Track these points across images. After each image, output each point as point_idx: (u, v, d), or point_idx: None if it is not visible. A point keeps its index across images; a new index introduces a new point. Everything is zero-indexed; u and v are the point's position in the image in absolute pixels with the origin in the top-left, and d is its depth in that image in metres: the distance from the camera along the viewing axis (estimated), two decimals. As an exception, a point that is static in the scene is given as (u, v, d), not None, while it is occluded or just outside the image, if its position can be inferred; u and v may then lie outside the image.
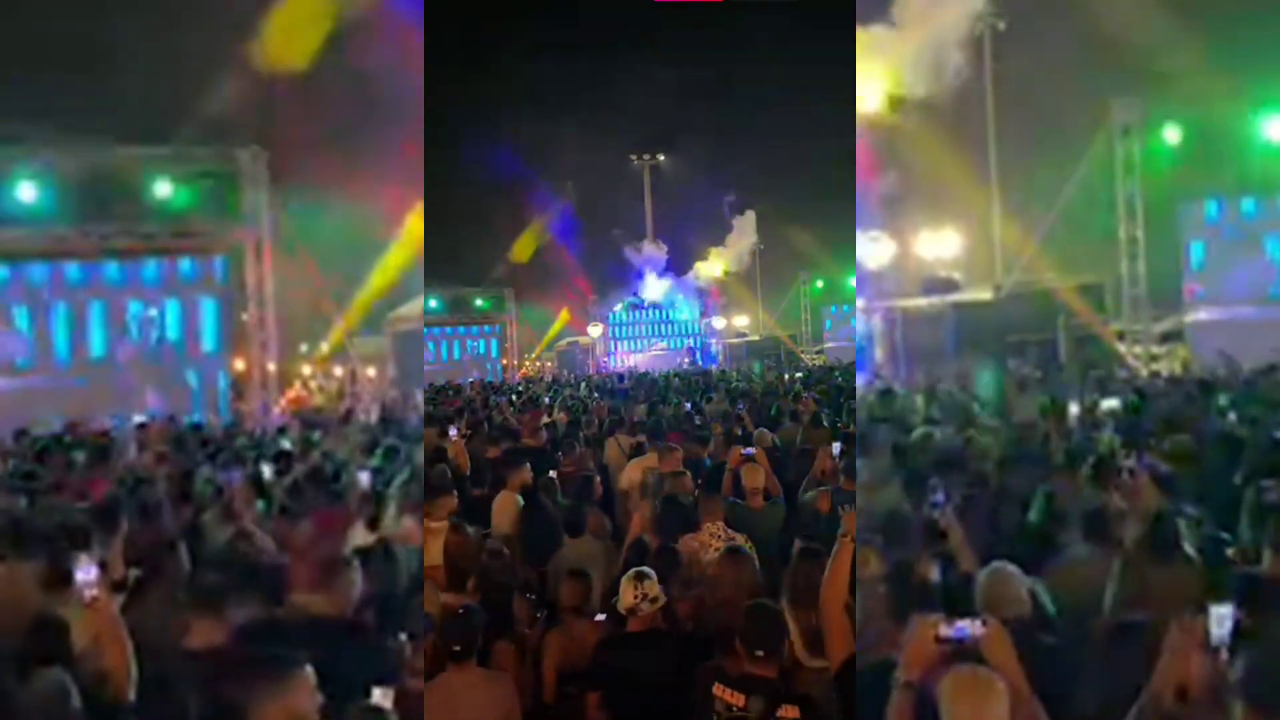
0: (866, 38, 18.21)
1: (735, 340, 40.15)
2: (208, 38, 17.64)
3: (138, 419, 14.79)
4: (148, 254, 18.89)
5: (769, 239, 38.90)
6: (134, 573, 4.83)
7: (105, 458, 9.55)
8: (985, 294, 20.64)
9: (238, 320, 19.18)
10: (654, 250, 39.92)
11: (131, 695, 3.53)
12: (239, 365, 19.31)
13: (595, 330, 39.77)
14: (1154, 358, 19.46)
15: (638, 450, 8.90)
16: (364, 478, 6.84)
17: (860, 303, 23.32)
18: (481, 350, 36.69)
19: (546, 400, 16.54)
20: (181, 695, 3.46)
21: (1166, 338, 19.97)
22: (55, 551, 4.87)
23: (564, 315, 39.40)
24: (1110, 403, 9.88)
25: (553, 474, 7.84)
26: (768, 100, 36.07)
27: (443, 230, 28.04)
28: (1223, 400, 9.54)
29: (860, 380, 16.01)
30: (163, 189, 17.86)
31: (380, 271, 20.22)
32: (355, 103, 17.84)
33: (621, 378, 26.27)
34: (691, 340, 40.16)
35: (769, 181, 37.02)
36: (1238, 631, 2.69)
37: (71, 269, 19.02)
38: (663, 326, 40.93)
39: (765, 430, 9.62)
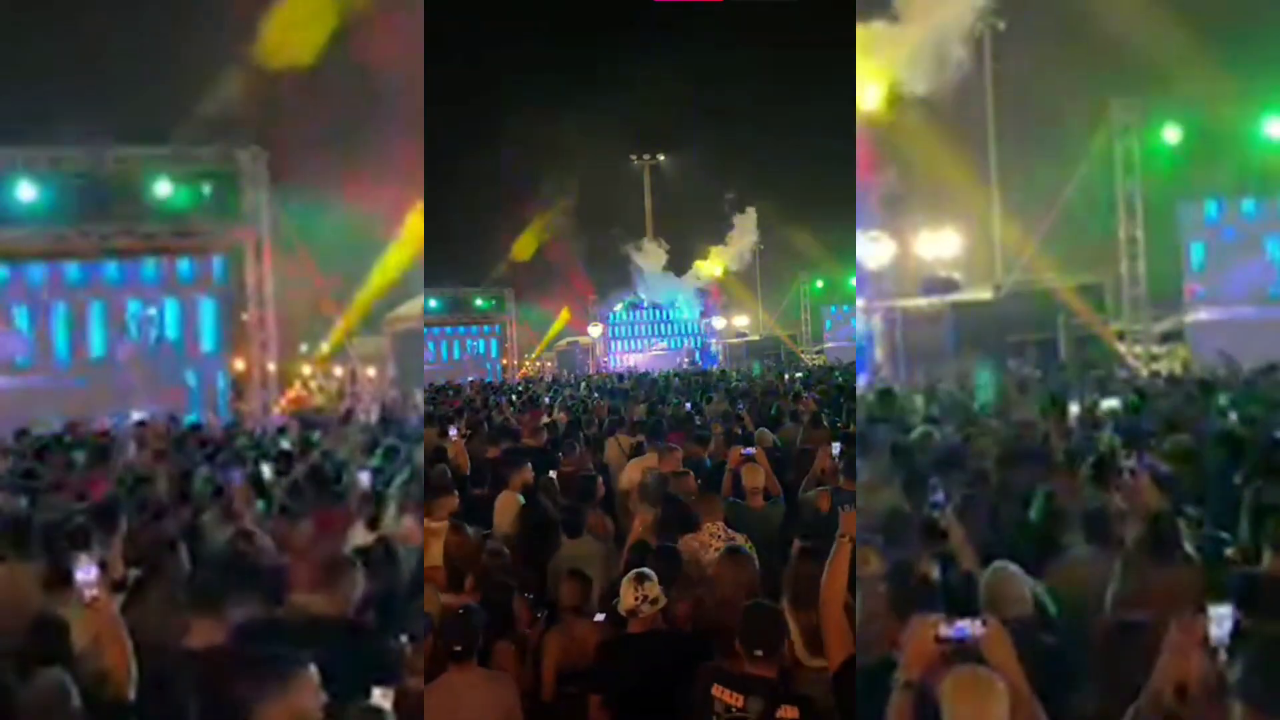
0: (866, 34, 18.19)
1: (735, 340, 40.15)
2: (208, 38, 17.66)
3: (137, 416, 14.81)
4: (148, 254, 18.89)
5: (769, 239, 38.93)
6: (134, 572, 4.83)
7: (105, 457, 9.56)
8: (985, 294, 20.64)
9: (238, 320, 19.18)
10: (654, 249, 39.92)
11: (131, 695, 3.53)
12: (239, 365, 19.31)
13: (595, 330, 39.77)
14: (1154, 358, 19.47)
15: (638, 450, 8.89)
16: (364, 478, 6.85)
17: (860, 303, 23.33)
18: (481, 350, 36.68)
19: (546, 400, 16.55)
20: (181, 695, 3.46)
21: (1166, 338, 19.98)
22: (55, 551, 4.88)
23: (564, 315, 39.39)
24: (1110, 403, 9.89)
25: (552, 474, 7.85)
26: (767, 100, 36.08)
27: (443, 230, 28.06)
28: (1222, 400, 9.54)
29: (860, 380, 16.02)
30: (163, 189, 17.86)
31: (380, 271, 20.22)
32: (355, 103, 17.85)
33: (621, 378, 26.27)
34: (691, 340, 40.14)
35: (769, 181, 37.02)
36: (1237, 632, 2.69)
37: (71, 269, 19.02)
38: (663, 326, 40.91)
39: (766, 430, 9.62)
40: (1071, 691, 3.35)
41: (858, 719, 3.65)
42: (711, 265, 39.76)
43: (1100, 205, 19.34)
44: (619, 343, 40.57)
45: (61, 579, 4.09)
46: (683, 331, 40.73)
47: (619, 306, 40.51)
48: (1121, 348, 19.62)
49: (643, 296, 40.50)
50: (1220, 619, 2.72)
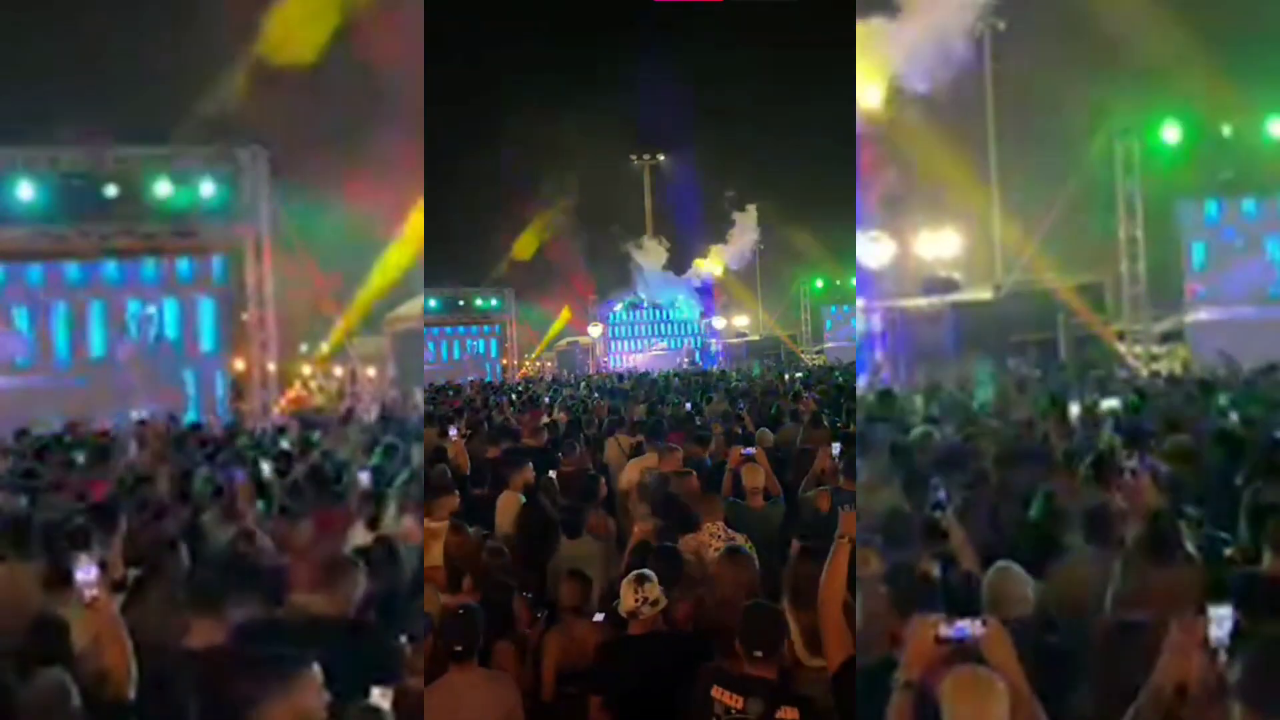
0: (866, 30, 18.17)
1: (735, 340, 40.15)
2: (208, 38, 17.66)
3: (137, 415, 14.80)
4: (148, 254, 18.88)
5: (769, 239, 38.94)
6: (133, 572, 4.83)
7: (105, 457, 9.55)
8: (985, 294, 20.63)
9: (238, 320, 19.17)
10: (654, 247, 39.90)
11: (131, 695, 3.53)
12: (239, 365, 19.31)
13: (595, 330, 39.76)
14: (1154, 358, 19.47)
15: (637, 450, 8.89)
16: (364, 477, 6.84)
17: (860, 303, 23.32)
18: (481, 350, 36.67)
19: (546, 400, 16.55)
20: (181, 695, 3.46)
21: (1166, 338, 19.98)
22: (55, 551, 4.88)
23: (565, 314, 39.37)
24: (1110, 403, 9.88)
25: (552, 474, 7.85)
26: (767, 100, 36.09)
27: (443, 230, 28.07)
28: (1222, 400, 9.54)
29: (860, 380, 16.02)
30: (163, 189, 17.85)
31: (380, 271, 20.22)
32: (355, 102, 17.85)
33: (621, 378, 26.28)
34: (691, 340, 40.14)
35: (769, 181, 37.06)
36: (1237, 632, 2.69)
37: (71, 269, 19.01)
38: (663, 326, 40.90)
39: (767, 430, 9.62)
40: (1071, 691, 3.35)
41: (858, 719, 3.64)
42: (711, 264, 39.76)
43: (1100, 205, 19.33)
44: (619, 343, 40.56)
45: (61, 579, 4.09)
46: (683, 331, 40.72)
47: (619, 306, 40.51)
48: (1121, 348, 19.62)
49: (643, 296, 40.49)
50: (1220, 619, 2.72)
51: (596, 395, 18.02)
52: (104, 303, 19.13)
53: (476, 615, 4.35)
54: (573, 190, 37.75)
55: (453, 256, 33.48)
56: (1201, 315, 19.72)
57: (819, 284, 39.60)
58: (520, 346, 37.41)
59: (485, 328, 36.49)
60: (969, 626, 2.91)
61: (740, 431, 9.60)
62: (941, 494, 4.90)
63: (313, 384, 22.78)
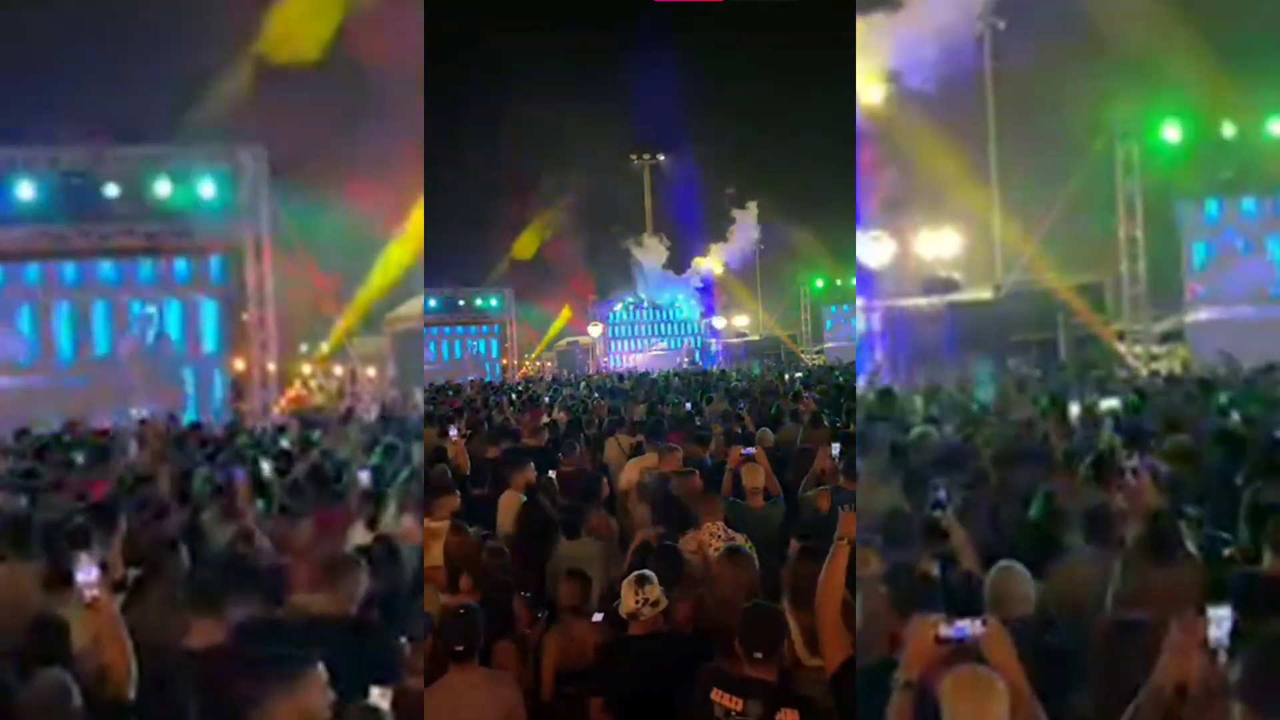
0: (866, 25, 18.13)
1: (735, 340, 40.14)
2: (208, 37, 17.65)
3: (138, 415, 14.80)
4: (147, 254, 18.89)
5: (769, 238, 38.91)
6: (133, 572, 4.83)
7: (105, 457, 9.55)
8: (985, 294, 20.63)
9: (238, 320, 19.18)
10: (655, 244, 39.87)
11: (131, 695, 3.53)
12: (239, 365, 19.31)
13: (595, 330, 39.76)
14: (1154, 358, 19.47)
15: (637, 450, 8.89)
16: (364, 477, 6.84)
17: (860, 303, 23.31)
18: (481, 350, 36.67)
19: (546, 400, 16.55)
20: (181, 695, 3.46)
21: (1166, 338, 19.98)
22: (55, 551, 4.88)
23: (566, 313, 39.33)
24: (1110, 403, 9.88)
25: (551, 474, 7.85)
26: (767, 100, 36.10)
27: (443, 230, 28.07)
28: (1223, 399, 9.54)
29: (860, 380, 16.01)
30: (163, 189, 17.85)
31: (380, 271, 20.21)
32: (355, 103, 17.83)
33: (621, 378, 26.28)
34: (691, 340, 40.13)
35: (769, 181, 37.05)
36: (1236, 633, 2.69)
37: (71, 269, 19.02)
38: (663, 326, 40.90)
39: (768, 430, 9.62)
40: (1071, 691, 3.34)
41: (858, 719, 3.64)
42: (711, 261, 39.73)
43: (1100, 205, 19.33)
44: (619, 343, 40.57)
45: (62, 579, 4.09)
46: (683, 331, 40.72)
47: (619, 306, 40.52)
48: (1121, 348, 19.62)
49: (643, 296, 40.50)
50: (1220, 620, 2.72)
51: (596, 395, 18.02)
52: (103, 302, 19.14)
53: (477, 615, 4.34)
54: (573, 190, 37.77)
55: (453, 256, 33.49)
56: (1201, 315, 19.73)
57: (819, 284, 39.59)
58: (520, 346, 37.41)
59: (485, 328, 36.49)
60: (969, 626, 2.91)
61: (740, 431, 9.60)
62: (942, 494, 4.90)
63: (313, 384, 22.76)
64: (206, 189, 18.08)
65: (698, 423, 10.77)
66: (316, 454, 9.40)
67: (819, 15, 27.54)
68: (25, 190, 17.51)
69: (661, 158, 40.68)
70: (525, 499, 7.08)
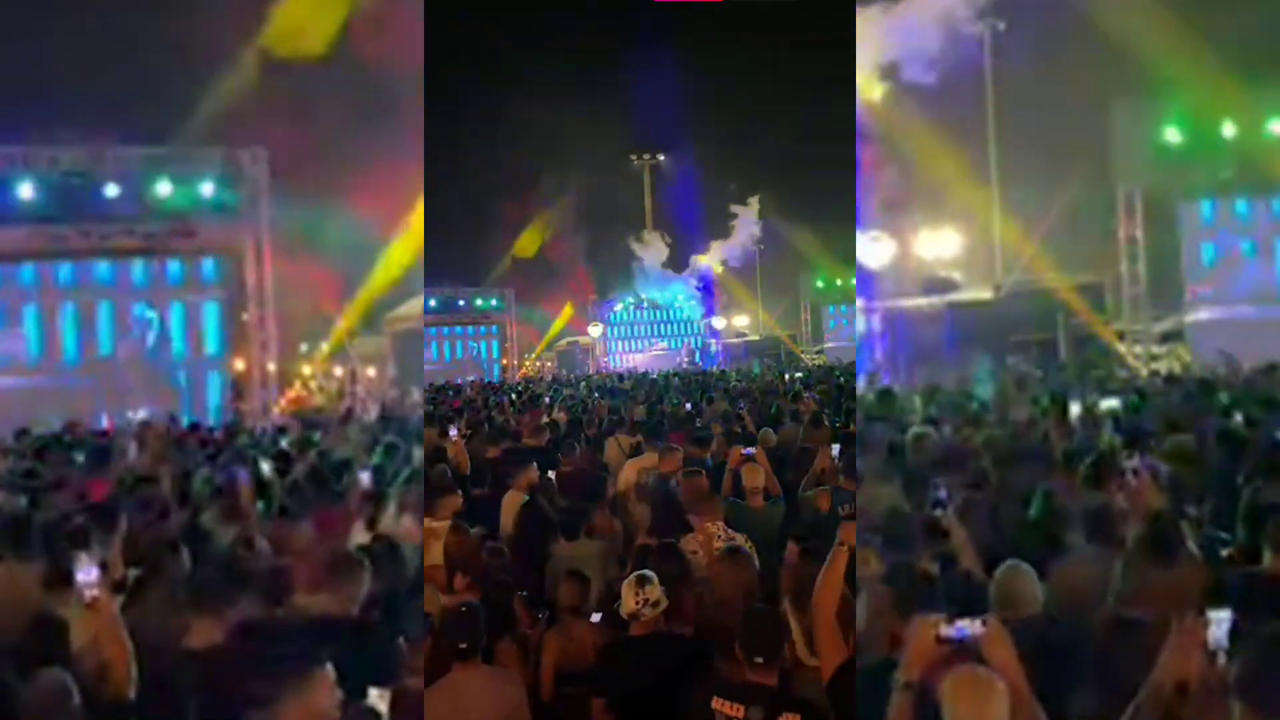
0: (865, 18, 18.09)
1: (735, 340, 40.13)
2: (208, 38, 17.65)
3: (139, 416, 14.81)
4: (148, 254, 18.89)
5: (769, 239, 38.91)
6: (133, 572, 4.82)
7: (105, 458, 9.55)
8: (985, 294, 20.63)
9: (238, 320, 19.18)
10: (655, 240, 39.84)
11: (131, 695, 3.53)
12: (239, 365, 19.32)
13: (595, 330, 39.76)
14: (1154, 358, 19.47)
15: (637, 450, 8.89)
16: (365, 478, 6.84)
17: (860, 303, 23.32)
18: (482, 350, 36.68)
19: (546, 400, 16.55)
20: (181, 695, 3.46)
21: (1166, 338, 19.98)
22: (55, 551, 4.88)
23: (567, 311, 39.29)
24: (1110, 403, 9.88)
25: (550, 474, 7.84)
26: (767, 100, 36.10)
27: (443, 230, 28.08)
28: (1225, 400, 9.53)
29: (860, 380, 16.01)
30: (163, 189, 17.85)
31: (380, 271, 20.23)
32: (355, 103, 17.85)
33: (621, 378, 26.28)
34: (691, 340, 40.13)
35: (769, 181, 37.08)
36: (1236, 634, 2.69)
37: (71, 269, 19.02)
38: (663, 326, 40.91)
39: (770, 430, 9.61)
40: (1072, 691, 3.34)
41: (857, 719, 3.64)
42: (712, 258, 39.67)
43: (1100, 205, 19.33)
44: (619, 343, 40.56)
45: (62, 579, 4.09)
46: (683, 331, 40.72)
47: (619, 306, 40.52)
48: (1121, 348, 19.62)
49: (643, 296, 40.49)
50: (1219, 621, 2.73)
51: (596, 395, 18.02)
52: (103, 303, 19.15)
53: (479, 612, 4.34)
54: (573, 190, 37.78)
55: (453, 256, 33.50)
56: (1202, 315, 19.73)
57: (819, 284, 39.57)
58: (520, 346, 37.43)
59: (485, 328, 36.50)
60: (969, 626, 2.90)
61: (740, 431, 9.59)
62: (942, 493, 4.89)
63: (313, 384, 22.77)
64: (206, 189, 18.09)
65: (697, 424, 10.77)
66: (315, 455, 9.39)
67: (819, 15, 27.57)
68: (25, 190, 17.51)
69: (661, 158, 40.68)
70: (527, 499, 7.09)
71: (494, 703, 4.20)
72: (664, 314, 40.86)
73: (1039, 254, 19.56)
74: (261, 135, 18.20)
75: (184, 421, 15.01)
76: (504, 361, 36.39)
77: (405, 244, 19.63)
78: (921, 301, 20.67)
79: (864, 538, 4.38)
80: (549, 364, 39.64)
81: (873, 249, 20.10)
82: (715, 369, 31.86)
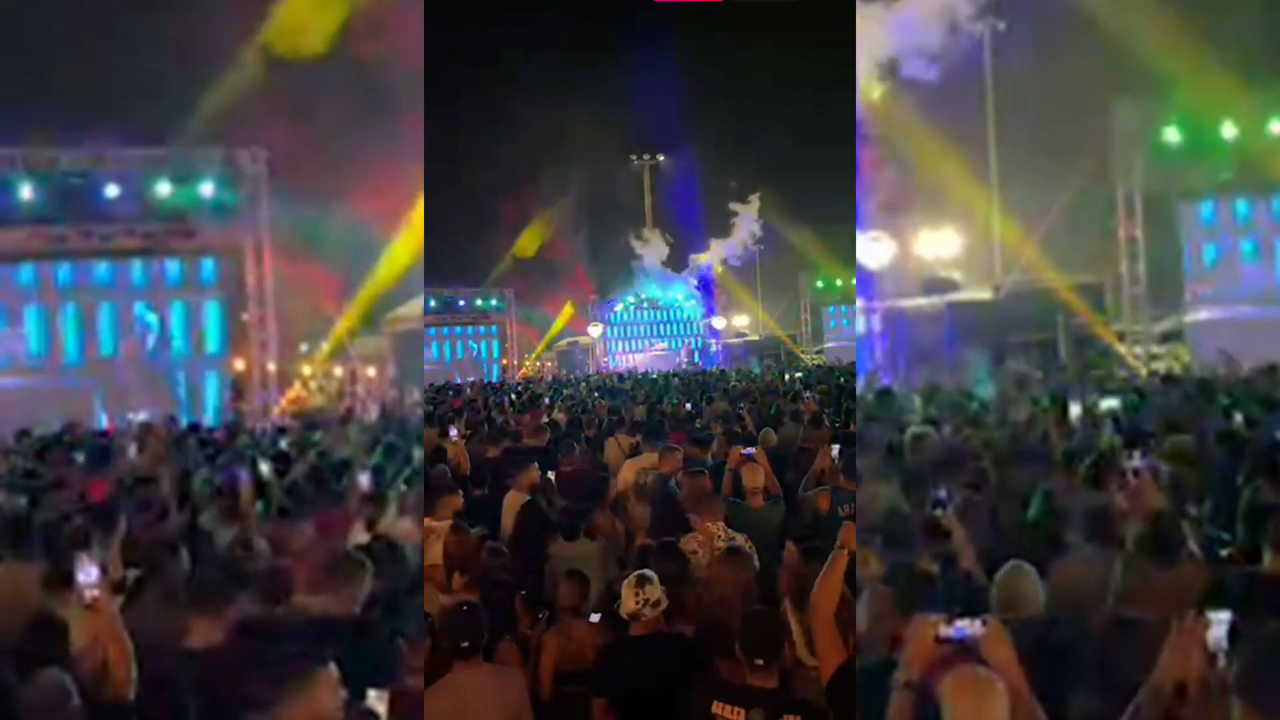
0: (866, 12, 18.07)
1: (735, 340, 40.12)
2: (209, 38, 17.64)
3: (140, 418, 14.80)
4: (148, 254, 18.89)
5: (769, 239, 38.89)
6: (133, 573, 4.83)
7: (105, 458, 9.55)
8: (985, 294, 20.63)
9: (238, 320, 19.19)
10: (655, 237, 39.81)
11: (131, 695, 3.53)
12: (239, 365, 19.32)
13: (595, 330, 39.75)
14: (1154, 358, 19.47)
15: (636, 451, 8.89)
16: (364, 479, 6.84)
17: (860, 303, 23.31)
18: (482, 350, 36.69)
19: (546, 400, 16.56)
20: (181, 695, 3.46)
21: (1166, 338, 19.98)
22: (55, 552, 4.88)
23: (567, 311, 39.25)
24: (1110, 403, 9.88)
25: (550, 474, 7.84)
26: (767, 100, 36.07)
27: (443, 230, 28.07)
28: (1225, 401, 9.53)
29: (860, 380, 16.01)
30: (163, 189, 17.85)
31: (380, 271, 20.22)
32: (355, 103, 17.83)
33: (621, 378, 26.28)
34: (691, 340, 40.13)
35: (769, 181, 37.04)
36: (1235, 635, 2.69)
37: (72, 270, 19.01)
38: (663, 326, 40.90)
39: (771, 430, 9.61)
40: (1072, 691, 3.35)
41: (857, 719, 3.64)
42: (712, 257, 39.62)
43: (1100, 205, 19.34)
44: (619, 343, 40.56)
45: (62, 579, 4.09)
46: (683, 332, 40.72)
47: (619, 306, 40.53)
48: (1121, 348, 19.62)
49: (643, 296, 40.49)
50: (1219, 622, 2.73)
51: (596, 395, 18.02)
52: (104, 303, 19.14)
53: (480, 611, 4.33)
54: (573, 190, 37.78)
55: (453, 256, 33.50)
56: (1202, 315, 19.74)
57: (819, 284, 39.57)
58: (520, 346, 37.43)
59: (485, 328, 36.51)
60: (969, 626, 2.90)
61: (740, 431, 9.60)
62: (942, 493, 4.89)
63: (312, 384, 22.76)
64: (206, 189, 18.10)
65: (697, 424, 10.77)
66: (315, 455, 9.39)
67: (819, 14, 27.56)
68: (25, 191, 17.51)
69: (661, 157, 40.68)
70: (528, 499, 7.09)
71: (497, 702, 4.20)
72: (664, 314, 40.85)
73: (1039, 254, 19.56)
74: (261, 135, 18.21)
75: (183, 422, 15.03)
76: (504, 361, 36.39)
77: (405, 244, 19.63)
78: (921, 301, 20.66)
79: (864, 538, 4.37)
80: (549, 364, 39.64)
81: (873, 249, 20.10)
82: (715, 369, 31.85)
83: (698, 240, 39.58)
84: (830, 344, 38.48)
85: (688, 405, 13.46)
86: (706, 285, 40.13)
